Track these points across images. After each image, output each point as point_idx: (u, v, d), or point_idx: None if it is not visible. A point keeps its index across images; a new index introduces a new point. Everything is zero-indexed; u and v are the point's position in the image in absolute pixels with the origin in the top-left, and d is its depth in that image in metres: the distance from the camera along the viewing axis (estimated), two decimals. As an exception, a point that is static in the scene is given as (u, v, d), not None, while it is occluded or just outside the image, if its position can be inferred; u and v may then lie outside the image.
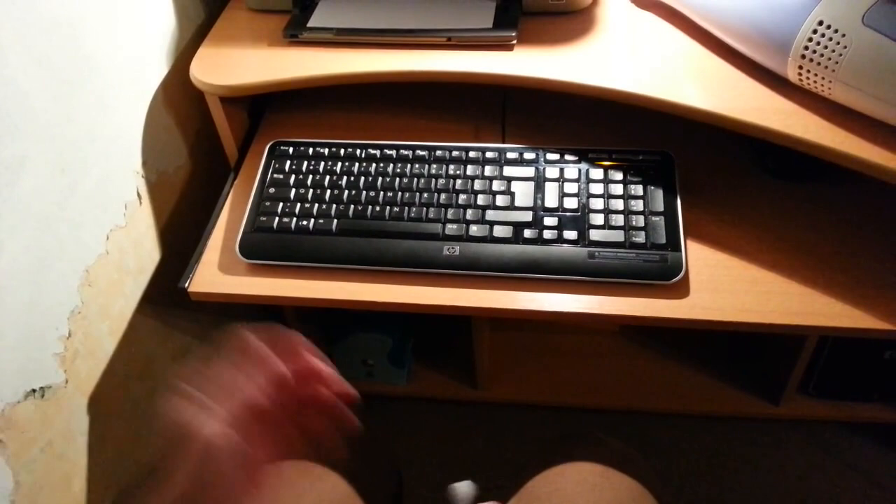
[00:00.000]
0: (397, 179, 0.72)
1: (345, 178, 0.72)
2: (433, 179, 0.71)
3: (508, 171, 0.72)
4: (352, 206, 0.70)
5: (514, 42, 0.73)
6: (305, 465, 0.66)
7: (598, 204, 0.68)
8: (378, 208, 0.70)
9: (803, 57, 0.60)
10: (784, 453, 1.13)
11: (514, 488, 0.67)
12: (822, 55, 0.59)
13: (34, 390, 0.59)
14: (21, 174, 0.56)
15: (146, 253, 0.75)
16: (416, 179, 0.71)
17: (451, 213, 0.69)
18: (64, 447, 0.64)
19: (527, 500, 0.65)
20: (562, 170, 0.71)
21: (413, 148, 0.74)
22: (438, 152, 0.73)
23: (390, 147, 0.74)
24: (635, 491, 0.65)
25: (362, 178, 0.72)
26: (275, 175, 0.74)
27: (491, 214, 0.69)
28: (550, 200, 0.69)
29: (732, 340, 1.13)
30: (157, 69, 0.75)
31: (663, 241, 0.65)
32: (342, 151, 0.74)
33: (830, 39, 0.58)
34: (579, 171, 0.71)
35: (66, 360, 0.63)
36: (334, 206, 0.71)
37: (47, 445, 0.61)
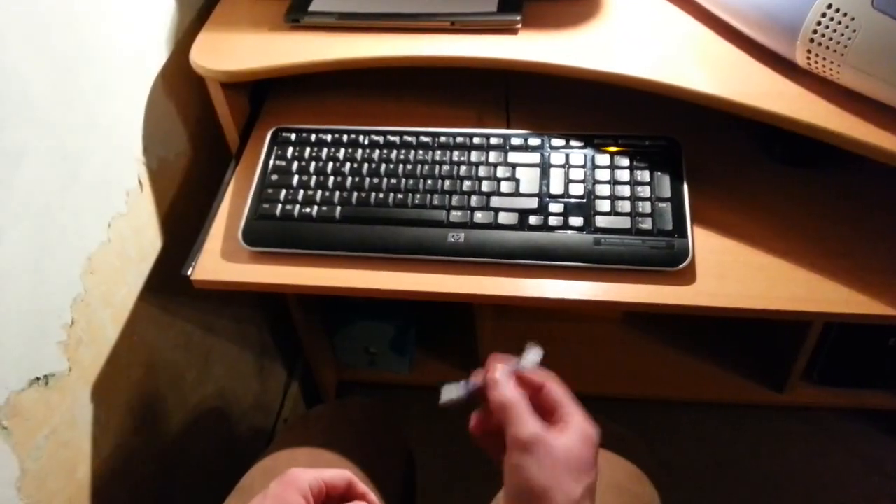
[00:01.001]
0: (401, 166, 0.71)
1: (348, 164, 0.72)
2: (437, 166, 0.71)
3: (513, 157, 0.71)
4: (355, 193, 0.70)
5: (519, 26, 0.72)
6: (316, 451, 0.66)
7: (603, 190, 0.68)
8: (382, 195, 0.69)
9: (812, 41, 0.60)
10: (788, 440, 1.14)
11: None
12: (830, 39, 0.59)
13: (38, 378, 0.59)
14: (21, 162, 0.56)
15: (148, 240, 0.75)
16: (419, 166, 0.71)
17: (455, 199, 0.69)
18: (68, 434, 0.64)
19: None
20: (567, 156, 0.71)
21: (417, 134, 0.73)
22: (442, 138, 0.73)
23: (394, 133, 0.74)
24: (632, 473, 0.65)
25: (365, 165, 0.72)
26: (277, 162, 0.73)
27: (496, 201, 0.68)
28: (556, 187, 0.69)
29: (736, 328, 1.13)
30: (157, 55, 0.74)
31: (670, 227, 0.65)
32: (345, 138, 0.74)
33: (839, 23, 0.58)
34: (585, 156, 0.70)
35: (69, 348, 0.63)
36: (337, 192, 0.70)
37: (52, 433, 0.61)
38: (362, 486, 0.50)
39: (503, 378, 0.49)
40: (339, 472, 0.50)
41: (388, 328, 1.09)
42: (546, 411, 0.48)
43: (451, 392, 0.51)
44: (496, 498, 0.66)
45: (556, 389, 0.50)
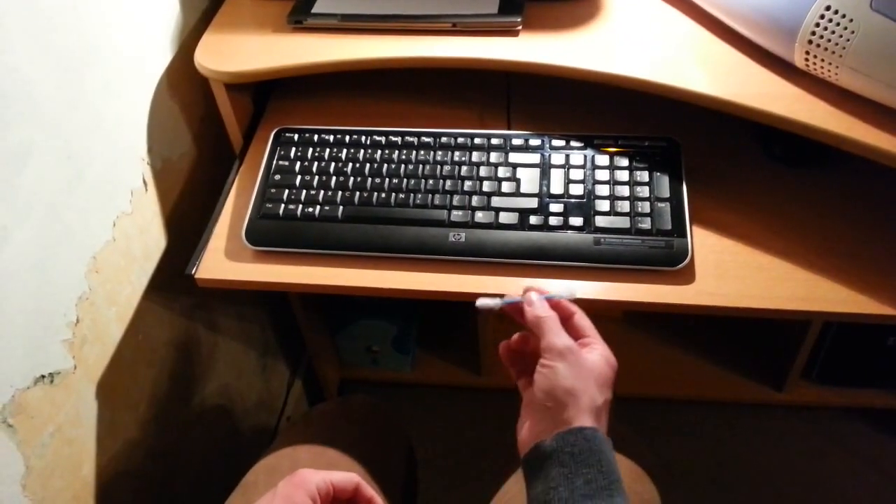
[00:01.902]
0: (402, 166, 0.72)
1: (350, 164, 0.72)
2: (438, 166, 0.71)
3: (514, 157, 0.72)
4: (357, 193, 0.70)
5: (520, 28, 0.72)
6: (318, 449, 0.67)
7: (603, 190, 0.68)
8: (383, 195, 0.70)
9: (810, 42, 0.60)
10: (787, 439, 1.14)
11: (511, 467, 0.68)
12: (829, 40, 0.59)
13: (43, 376, 0.60)
14: (28, 161, 0.56)
15: (152, 240, 0.75)
16: (421, 166, 0.71)
17: (456, 199, 0.69)
18: (73, 432, 0.64)
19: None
20: (567, 156, 0.71)
21: (418, 134, 0.74)
22: (444, 139, 0.73)
23: (395, 134, 0.74)
24: (632, 471, 0.66)
25: (368, 165, 0.72)
26: (280, 162, 0.74)
27: (496, 201, 0.69)
28: (556, 187, 0.69)
29: (736, 327, 1.13)
30: (162, 56, 0.75)
31: (669, 227, 0.66)
32: (347, 138, 0.74)
33: (838, 25, 0.58)
34: (585, 157, 0.71)
35: (74, 346, 0.63)
36: (340, 192, 0.71)
37: (57, 430, 0.62)
38: (369, 490, 0.51)
39: (539, 300, 0.54)
40: (348, 475, 0.50)
41: (390, 327, 1.09)
42: (573, 336, 0.53)
43: (487, 302, 0.56)
44: (500, 492, 0.67)
45: (585, 319, 0.55)
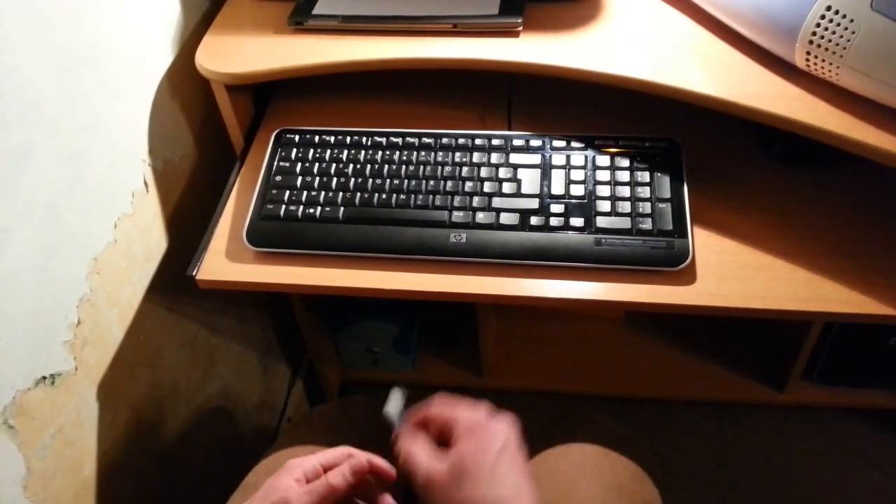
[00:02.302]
0: (403, 167, 0.72)
1: (351, 165, 0.72)
2: (439, 167, 0.71)
3: (515, 158, 0.72)
4: (358, 194, 0.70)
5: (520, 28, 0.72)
6: (319, 450, 0.67)
7: (604, 191, 0.68)
8: (384, 196, 0.70)
9: (811, 43, 0.60)
10: (787, 439, 1.14)
11: None
12: (830, 41, 0.59)
13: (44, 377, 0.60)
14: (28, 162, 0.56)
15: (153, 241, 0.75)
16: (422, 167, 0.71)
17: (457, 200, 0.69)
18: (74, 433, 0.64)
19: None
20: (568, 157, 0.71)
21: (419, 135, 0.74)
22: (444, 140, 0.73)
23: (396, 135, 0.74)
24: (634, 472, 0.66)
25: (368, 166, 0.72)
26: (281, 163, 0.74)
27: (497, 202, 0.69)
28: (557, 187, 0.69)
29: (736, 327, 1.13)
30: (163, 57, 0.75)
31: (670, 227, 0.66)
32: (348, 139, 0.74)
33: (839, 25, 0.58)
34: (586, 158, 0.71)
35: (75, 348, 0.63)
36: (341, 193, 0.71)
37: (58, 432, 0.62)
38: (364, 454, 0.52)
39: (400, 440, 0.53)
40: (338, 449, 0.51)
41: (390, 328, 1.09)
42: (441, 439, 0.52)
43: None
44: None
45: (435, 414, 0.53)
